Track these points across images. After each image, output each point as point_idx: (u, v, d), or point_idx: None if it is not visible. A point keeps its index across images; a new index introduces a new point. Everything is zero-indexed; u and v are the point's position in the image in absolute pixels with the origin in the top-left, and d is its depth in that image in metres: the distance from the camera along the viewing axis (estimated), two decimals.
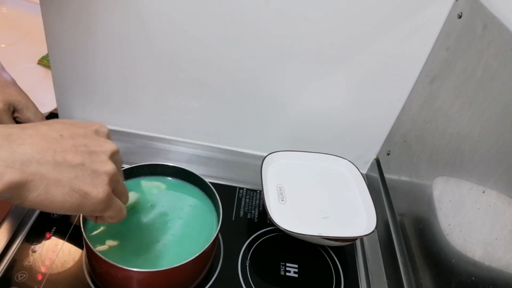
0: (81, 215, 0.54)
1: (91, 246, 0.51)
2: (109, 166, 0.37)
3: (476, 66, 0.55)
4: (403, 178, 0.71)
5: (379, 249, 0.72)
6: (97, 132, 0.40)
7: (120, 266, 0.49)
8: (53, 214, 0.65)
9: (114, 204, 0.39)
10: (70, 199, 0.34)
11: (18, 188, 0.32)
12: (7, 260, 0.58)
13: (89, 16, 0.68)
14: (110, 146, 0.39)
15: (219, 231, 0.56)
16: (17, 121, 0.56)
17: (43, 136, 0.34)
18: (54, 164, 0.33)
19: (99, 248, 0.53)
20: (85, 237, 0.52)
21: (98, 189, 0.36)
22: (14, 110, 0.56)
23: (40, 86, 0.91)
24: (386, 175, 0.78)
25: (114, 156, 0.39)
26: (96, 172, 0.36)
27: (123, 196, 0.43)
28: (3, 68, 0.58)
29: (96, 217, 0.43)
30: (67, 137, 0.36)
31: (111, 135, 0.42)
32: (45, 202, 0.33)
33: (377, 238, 0.73)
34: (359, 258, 0.70)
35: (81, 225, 0.53)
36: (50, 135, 0.35)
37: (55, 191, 0.33)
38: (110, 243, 0.55)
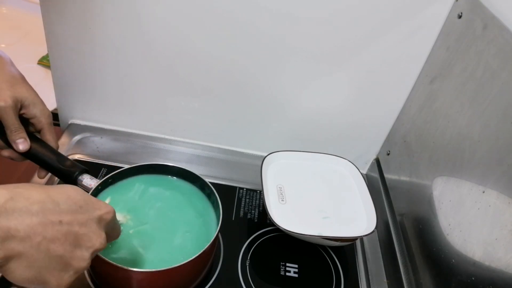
0: None
1: None
2: (84, 264, 0.38)
3: (476, 66, 0.55)
4: (403, 178, 0.71)
5: (379, 249, 0.72)
6: (99, 221, 0.40)
7: (119, 266, 0.49)
8: None
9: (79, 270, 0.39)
10: (29, 281, 0.35)
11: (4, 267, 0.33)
12: None
13: (89, 16, 0.68)
14: (99, 242, 0.39)
15: (219, 231, 0.56)
16: (23, 117, 0.56)
17: (43, 218, 0.35)
18: (36, 249, 0.34)
19: None
20: None
21: (58, 282, 0.37)
22: (21, 107, 0.56)
23: (40, 86, 0.91)
24: (386, 175, 0.78)
25: (97, 251, 0.40)
26: (69, 267, 0.37)
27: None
28: (12, 64, 0.58)
29: None
30: (65, 223, 0.36)
31: (113, 220, 0.43)
32: (8, 275, 0.34)
33: (377, 238, 0.73)
34: (359, 258, 0.70)
35: None
36: (50, 219, 0.36)
37: (22, 271, 0.34)
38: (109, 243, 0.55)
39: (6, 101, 0.53)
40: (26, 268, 0.34)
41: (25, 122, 0.57)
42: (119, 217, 0.57)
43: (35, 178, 0.69)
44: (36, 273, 0.35)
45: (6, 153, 0.57)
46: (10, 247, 0.33)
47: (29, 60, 1.00)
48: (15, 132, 0.54)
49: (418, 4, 0.63)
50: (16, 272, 0.34)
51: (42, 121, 0.57)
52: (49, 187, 0.38)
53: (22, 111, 0.56)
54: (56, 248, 0.36)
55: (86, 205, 0.39)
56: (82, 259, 0.38)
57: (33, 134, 0.58)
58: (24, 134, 0.55)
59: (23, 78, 0.57)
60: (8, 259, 0.33)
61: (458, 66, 0.59)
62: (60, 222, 0.36)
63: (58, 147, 0.60)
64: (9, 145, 0.56)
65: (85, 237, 0.38)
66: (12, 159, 0.58)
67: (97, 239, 0.39)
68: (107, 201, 0.60)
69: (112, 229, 0.43)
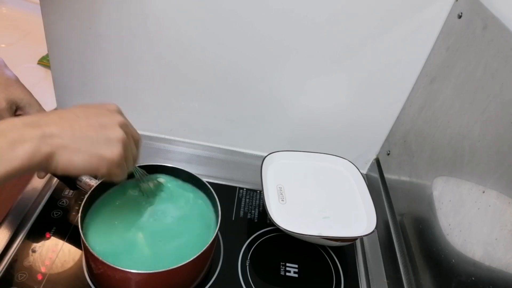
0: (79, 216, 0.54)
1: (89, 247, 0.51)
2: (118, 133, 0.45)
3: (476, 66, 0.55)
4: (403, 178, 0.71)
5: (379, 249, 0.72)
6: (109, 110, 0.47)
7: (118, 267, 0.49)
8: (52, 214, 0.65)
9: (122, 163, 0.46)
10: (89, 163, 0.43)
11: (49, 158, 0.40)
12: (7, 260, 0.58)
13: (89, 16, 0.68)
14: (118, 118, 0.47)
15: (219, 231, 0.56)
16: None
17: (63, 119, 0.43)
18: (73, 137, 0.42)
19: (98, 249, 0.53)
20: (83, 238, 0.52)
21: (112, 152, 0.44)
22: (17, 108, 0.56)
23: (40, 86, 0.91)
24: (386, 175, 0.78)
25: (123, 126, 0.46)
26: (108, 139, 0.44)
27: (133, 161, 0.50)
28: (5, 66, 0.58)
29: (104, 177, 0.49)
30: (82, 117, 0.44)
31: (120, 111, 0.49)
32: (70, 167, 0.42)
33: (377, 238, 0.73)
34: (359, 258, 0.70)
35: (80, 226, 0.53)
36: (69, 117, 0.44)
37: (76, 158, 0.42)
38: (109, 244, 0.55)
39: (0, 103, 0.53)
40: (78, 154, 0.42)
41: None
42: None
43: (35, 178, 0.69)
44: (89, 153, 0.43)
45: None
46: (53, 142, 0.40)
47: (29, 60, 1.01)
48: None
49: (418, 4, 0.63)
50: (73, 159, 0.42)
51: None
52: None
53: (18, 113, 0.56)
54: (87, 131, 0.43)
55: (94, 105, 0.47)
56: (114, 130, 0.45)
57: None
58: None
59: (17, 80, 0.57)
60: (56, 153, 0.40)
61: (458, 66, 0.59)
62: (78, 117, 0.44)
63: None
64: None
65: (104, 119, 0.45)
66: None
67: (115, 117, 0.47)
68: (106, 201, 0.60)
69: (127, 147, 0.47)
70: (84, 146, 0.43)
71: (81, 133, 0.43)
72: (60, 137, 0.41)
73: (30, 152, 0.38)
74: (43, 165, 0.41)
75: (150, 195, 0.61)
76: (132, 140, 0.49)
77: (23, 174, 0.39)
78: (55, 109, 0.82)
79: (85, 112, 0.45)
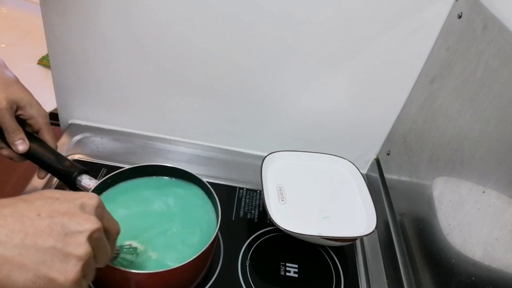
0: None
1: None
2: (83, 249, 0.35)
3: (476, 66, 0.55)
4: (403, 178, 0.71)
5: (379, 249, 0.72)
6: (82, 207, 0.37)
7: (118, 267, 0.49)
8: None
9: (80, 286, 0.36)
10: (33, 285, 0.33)
11: None
12: None
13: (89, 16, 0.68)
14: (90, 225, 0.36)
15: (219, 231, 0.56)
16: (20, 118, 0.56)
17: (18, 217, 0.34)
18: (21, 247, 0.32)
19: None
20: None
21: (66, 276, 0.34)
22: (17, 108, 0.56)
23: (40, 86, 0.91)
24: (386, 175, 0.78)
25: (94, 235, 0.37)
26: (68, 256, 0.34)
27: (103, 263, 0.41)
28: (5, 66, 0.58)
29: None
30: (44, 216, 0.35)
31: (101, 207, 0.40)
32: (8, 285, 0.32)
33: (377, 238, 0.73)
34: (359, 258, 0.70)
35: None
36: (26, 215, 0.34)
37: (18, 276, 0.32)
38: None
39: (0, 103, 0.52)
40: (20, 271, 0.32)
41: (23, 123, 0.57)
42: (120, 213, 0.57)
43: (35, 178, 0.69)
44: (35, 273, 0.33)
45: (5, 152, 0.57)
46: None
47: (29, 60, 1.00)
48: (13, 133, 0.54)
49: (418, 4, 0.63)
50: (14, 277, 0.32)
51: (40, 122, 0.57)
52: (21, 196, 0.36)
53: (18, 112, 0.56)
54: (43, 240, 0.33)
55: (63, 196, 0.37)
56: (77, 244, 0.35)
57: (32, 134, 0.57)
58: (23, 135, 0.55)
59: (17, 80, 0.57)
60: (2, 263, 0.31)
61: (458, 66, 0.59)
62: (39, 215, 0.35)
63: (57, 147, 0.60)
64: (9, 146, 0.56)
65: (71, 223, 0.35)
66: (11, 159, 0.57)
67: (87, 222, 0.36)
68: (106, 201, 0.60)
69: (102, 217, 0.40)
70: (32, 262, 0.33)
71: (32, 242, 0.33)
72: (4, 244, 0.32)
73: None
74: None
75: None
76: (104, 246, 0.39)
77: None
78: (55, 109, 0.82)
79: (50, 207, 0.36)
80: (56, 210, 0.35)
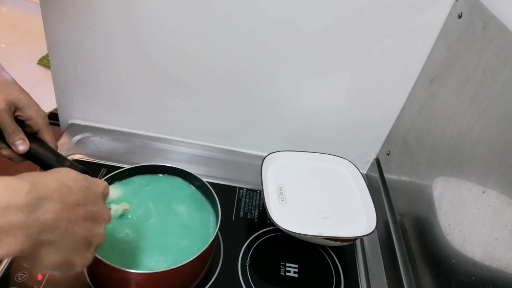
0: None
1: None
2: (102, 239, 0.41)
3: (476, 66, 0.55)
4: (403, 178, 0.71)
5: (379, 249, 0.72)
6: (103, 196, 0.43)
7: (118, 267, 0.49)
8: None
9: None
10: (57, 266, 0.36)
11: (29, 253, 0.34)
12: (7, 260, 0.58)
13: (89, 16, 0.68)
14: (108, 216, 0.43)
15: (219, 231, 0.56)
16: (18, 119, 0.56)
17: (64, 204, 0.36)
18: (63, 233, 0.36)
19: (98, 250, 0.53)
20: None
21: (84, 261, 0.39)
22: (15, 109, 0.56)
23: (40, 86, 0.91)
24: (386, 175, 0.78)
25: (107, 223, 0.43)
26: (91, 245, 0.40)
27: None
28: (2, 68, 0.58)
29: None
30: (81, 205, 0.38)
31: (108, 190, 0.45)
32: (38, 262, 0.35)
33: (377, 238, 0.73)
34: (359, 258, 0.70)
35: None
36: (70, 203, 0.37)
37: (52, 258, 0.35)
38: (108, 244, 0.55)
39: None
40: (56, 253, 0.35)
41: (21, 124, 0.57)
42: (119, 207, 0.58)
43: None
44: (65, 256, 0.36)
45: (5, 152, 0.57)
46: (43, 238, 0.34)
47: (29, 60, 1.00)
48: (13, 134, 0.54)
49: (418, 4, 0.63)
50: (47, 258, 0.35)
51: (39, 122, 0.57)
52: (51, 173, 0.39)
53: (17, 113, 0.56)
54: (79, 229, 0.37)
55: (90, 184, 0.41)
56: (100, 235, 0.40)
57: (32, 134, 0.57)
58: (22, 135, 0.55)
59: (14, 81, 0.57)
60: (39, 248, 0.34)
61: (458, 66, 0.59)
62: (78, 204, 0.38)
63: (57, 147, 0.60)
64: (9, 146, 0.56)
65: (98, 214, 0.40)
66: (10, 159, 0.57)
67: (106, 213, 0.42)
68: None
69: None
70: (67, 247, 0.37)
71: (72, 229, 0.37)
72: (52, 231, 0.35)
73: (13, 245, 0.31)
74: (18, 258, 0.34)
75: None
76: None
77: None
78: (55, 109, 0.82)
79: (84, 195, 0.39)
80: (88, 199, 0.40)
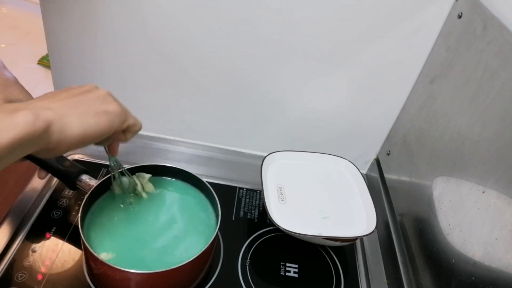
0: (79, 216, 0.54)
1: (89, 247, 0.51)
2: (103, 91, 0.45)
3: (476, 66, 0.55)
4: (403, 178, 0.71)
5: (379, 249, 0.72)
6: (85, 87, 0.46)
7: (118, 267, 0.49)
8: (52, 214, 0.65)
9: (129, 113, 0.47)
10: (100, 120, 0.41)
11: (50, 125, 0.37)
12: (7, 260, 0.58)
13: (89, 16, 0.68)
14: (96, 89, 0.46)
15: (219, 231, 0.56)
16: None
17: (51, 97, 0.41)
18: (67, 106, 0.40)
19: (98, 250, 0.53)
20: (84, 238, 0.52)
21: (111, 104, 0.44)
22: None
23: (40, 86, 0.91)
24: (386, 175, 0.78)
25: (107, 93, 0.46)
26: (99, 97, 0.44)
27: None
28: (4, 67, 0.58)
29: (125, 134, 0.49)
30: (66, 91, 0.43)
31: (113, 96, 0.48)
32: (84, 131, 0.40)
33: (377, 238, 0.73)
34: (359, 258, 0.70)
35: (79, 226, 0.53)
36: (54, 94, 0.42)
37: (85, 119, 0.40)
38: (109, 244, 0.55)
39: None
40: (86, 117, 0.40)
41: None
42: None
43: (35, 178, 0.69)
44: (93, 113, 0.41)
45: None
46: (46, 115, 0.37)
47: (29, 60, 1.01)
48: None
49: (418, 4, 0.63)
50: (83, 121, 0.40)
51: None
52: None
53: None
54: (77, 98, 0.42)
55: (75, 87, 0.45)
56: (96, 91, 0.44)
57: None
58: None
59: (16, 81, 0.57)
60: (52, 124, 0.37)
61: (458, 66, 0.59)
62: (62, 92, 0.43)
63: None
64: None
65: (84, 91, 0.44)
66: None
67: (91, 86, 0.46)
68: (106, 201, 0.60)
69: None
70: (84, 109, 0.41)
71: (72, 101, 0.41)
72: (54, 108, 0.38)
73: (30, 118, 0.35)
74: (44, 135, 0.37)
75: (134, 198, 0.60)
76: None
77: (26, 149, 0.36)
78: None
79: (68, 90, 0.44)
80: (72, 89, 0.45)
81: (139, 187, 0.60)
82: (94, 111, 0.42)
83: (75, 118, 0.39)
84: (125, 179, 0.59)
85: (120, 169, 0.57)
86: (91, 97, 0.43)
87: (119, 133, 0.47)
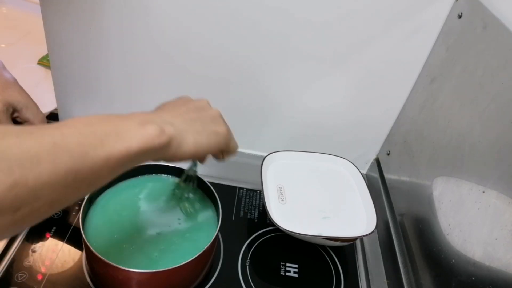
0: (80, 216, 0.54)
1: (90, 247, 0.51)
2: (216, 111, 0.48)
3: (476, 66, 0.55)
4: (403, 178, 0.71)
5: (379, 249, 0.72)
6: (201, 103, 0.49)
7: (120, 267, 0.49)
8: (53, 214, 0.65)
9: (233, 136, 0.50)
10: (210, 139, 0.45)
11: (172, 140, 0.40)
12: (7, 260, 0.58)
13: (89, 16, 0.68)
14: (210, 107, 0.49)
15: (219, 231, 0.56)
16: (16, 121, 0.56)
17: (169, 110, 0.45)
18: (186, 123, 0.43)
19: (99, 250, 0.53)
20: (85, 238, 0.52)
21: (221, 126, 0.47)
22: (13, 111, 0.55)
23: (40, 86, 0.91)
24: (386, 175, 0.78)
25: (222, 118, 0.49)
26: (212, 117, 0.47)
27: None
28: (4, 68, 0.58)
29: (223, 154, 0.51)
30: (184, 105, 0.47)
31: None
32: (196, 149, 0.43)
33: (377, 238, 0.73)
34: (359, 258, 0.70)
35: (81, 226, 0.53)
36: (171, 108, 0.46)
37: (199, 138, 0.43)
38: (110, 244, 0.55)
39: None
40: (200, 136, 0.43)
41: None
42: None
43: None
44: (207, 133, 0.44)
45: None
46: (178, 128, 0.41)
47: (29, 60, 1.00)
48: None
49: (418, 4, 0.62)
50: (197, 139, 0.43)
51: (36, 124, 0.57)
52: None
53: (15, 115, 0.56)
54: (193, 115, 0.45)
55: (190, 101, 0.49)
56: (210, 112, 0.47)
57: None
58: None
59: (15, 82, 0.57)
60: (178, 135, 0.41)
61: (458, 66, 0.59)
62: (179, 105, 0.47)
63: None
64: None
65: (200, 108, 0.47)
66: None
67: (207, 107, 0.49)
68: (106, 201, 0.61)
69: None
70: (199, 127, 0.44)
71: (190, 117, 0.44)
72: (175, 123, 0.42)
73: (157, 132, 0.38)
74: (165, 148, 0.40)
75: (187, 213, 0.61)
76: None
77: (148, 157, 0.39)
78: (55, 109, 0.82)
79: (186, 104, 0.47)
80: (189, 103, 0.48)
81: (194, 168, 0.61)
82: (207, 131, 0.45)
83: (191, 135, 0.43)
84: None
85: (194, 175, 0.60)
86: (206, 116, 0.46)
87: (218, 152, 0.50)
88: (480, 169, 0.50)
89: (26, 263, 0.58)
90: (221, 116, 0.48)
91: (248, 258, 0.66)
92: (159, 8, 0.66)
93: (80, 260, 0.60)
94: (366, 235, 0.62)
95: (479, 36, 0.55)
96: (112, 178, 0.36)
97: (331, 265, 0.68)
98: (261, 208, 0.74)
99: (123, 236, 0.56)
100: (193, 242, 0.57)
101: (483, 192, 0.48)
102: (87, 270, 0.58)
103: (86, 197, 0.57)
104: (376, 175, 0.81)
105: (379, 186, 0.79)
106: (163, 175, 0.65)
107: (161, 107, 0.47)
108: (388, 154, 0.79)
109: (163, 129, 0.39)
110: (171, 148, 0.40)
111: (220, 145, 0.47)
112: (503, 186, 0.45)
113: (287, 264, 0.66)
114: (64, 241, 0.62)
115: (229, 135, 0.48)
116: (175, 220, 0.59)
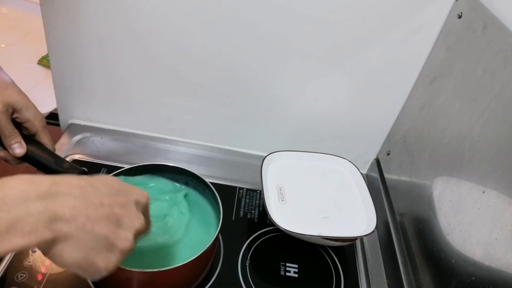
0: None
1: None
2: (129, 244, 0.39)
3: (476, 66, 0.55)
4: (403, 178, 0.71)
5: (379, 249, 0.72)
6: (137, 204, 0.42)
7: (120, 266, 0.49)
8: None
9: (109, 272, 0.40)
10: (78, 263, 0.36)
11: (47, 245, 0.34)
12: (7, 260, 0.58)
13: (89, 16, 0.68)
14: (139, 224, 0.41)
15: (219, 231, 0.56)
16: (16, 121, 0.56)
17: (85, 201, 0.37)
18: (81, 229, 0.35)
19: None
20: None
21: (107, 264, 0.38)
22: (13, 111, 0.55)
23: (40, 86, 0.91)
24: (386, 175, 0.78)
25: (137, 234, 0.41)
26: (113, 248, 0.38)
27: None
28: (1, 69, 0.58)
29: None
30: (106, 206, 0.38)
31: (148, 206, 0.45)
32: (58, 258, 0.35)
33: (377, 238, 0.73)
34: (359, 258, 0.70)
35: None
36: (92, 201, 0.37)
37: (69, 255, 0.35)
38: None
39: None
40: (74, 250, 0.35)
41: (19, 126, 0.56)
42: None
43: None
44: (84, 255, 0.36)
45: (1, 153, 0.57)
46: (58, 228, 0.34)
47: (29, 60, 1.00)
48: (10, 137, 0.54)
49: (418, 4, 0.63)
50: (65, 254, 0.35)
51: (36, 125, 0.57)
52: (86, 177, 0.39)
53: (14, 116, 0.55)
54: (100, 228, 0.37)
55: (123, 190, 0.41)
56: (125, 239, 0.39)
57: (29, 137, 0.57)
58: (20, 138, 0.55)
59: (13, 83, 0.57)
60: (56, 241, 0.34)
61: (458, 66, 0.59)
62: (101, 203, 0.38)
63: (54, 149, 0.60)
64: (6, 149, 0.56)
65: (125, 218, 0.39)
66: (6, 161, 0.57)
67: (137, 220, 0.40)
68: None
69: (146, 216, 0.43)
70: (85, 245, 0.36)
71: (91, 227, 0.36)
72: (68, 223, 0.35)
73: (28, 239, 0.32)
74: (37, 248, 0.35)
75: None
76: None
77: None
78: (55, 109, 0.82)
79: (112, 197, 0.39)
80: (116, 202, 0.39)
81: None
82: (86, 256, 0.37)
83: (69, 246, 0.35)
84: None
85: None
86: (110, 237, 0.38)
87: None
88: (480, 169, 0.50)
89: (26, 263, 0.58)
90: (123, 253, 0.39)
91: (248, 258, 0.66)
92: (157, 9, 0.66)
93: None
94: (366, 235, 0.62)
95: (479, 36, 0.55)
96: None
97: (331, 265, 0.68)
98: (261, 208, 0.74)
99: None
100: (193, 242, 0.57)
101: (483, 192, 0.48)
102: None
103: None
104: (376, 175, 0.81)
105: (379, 186, 0.79)
106: (163, 175, 0.65)
107: (88, 182, 0.38)
108: (388, 154, 0.79)
109: (41, 234, 0.33)
110: (46, 250, 0.35)
111: (83, 274, 0.38)
112: (503, 186, 0.45)
113: (287, 264, 0.66)
114: None
115: (103, 274, 0.39)
116: (176, 220, 0.59)
